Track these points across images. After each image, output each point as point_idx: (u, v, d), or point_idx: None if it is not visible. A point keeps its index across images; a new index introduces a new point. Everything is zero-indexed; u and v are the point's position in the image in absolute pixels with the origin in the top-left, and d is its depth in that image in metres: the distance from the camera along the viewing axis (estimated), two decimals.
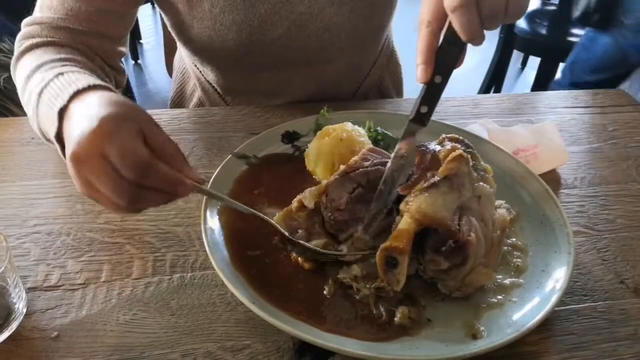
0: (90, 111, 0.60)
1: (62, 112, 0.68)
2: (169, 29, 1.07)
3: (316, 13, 1.00)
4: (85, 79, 0.71)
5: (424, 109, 0.69)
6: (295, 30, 1.01)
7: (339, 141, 0.84)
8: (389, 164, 0.71)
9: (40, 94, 0.74)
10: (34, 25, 0.88)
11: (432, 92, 0.68)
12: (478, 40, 0.62)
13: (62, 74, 0.74)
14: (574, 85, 2.29)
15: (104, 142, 0.56)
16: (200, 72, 1.15)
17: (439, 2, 0.63)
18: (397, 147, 0.72)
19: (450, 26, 0.63)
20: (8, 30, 1.34)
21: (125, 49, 0.99)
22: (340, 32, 1.04)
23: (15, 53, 0.88)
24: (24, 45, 0.87)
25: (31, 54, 0.85)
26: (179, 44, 1.15)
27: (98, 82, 0.70)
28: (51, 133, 0.70)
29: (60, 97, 0.69)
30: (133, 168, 0.56)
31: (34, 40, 0.86)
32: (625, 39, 2.11)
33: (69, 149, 0.59)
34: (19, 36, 0.89)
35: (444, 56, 0.65)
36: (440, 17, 0.64)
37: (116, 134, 0.56)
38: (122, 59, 1.01)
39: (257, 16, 0.97)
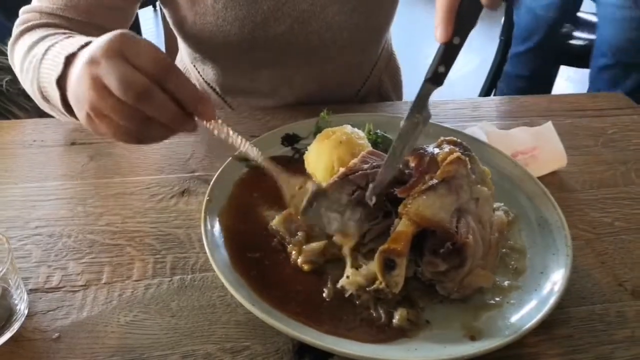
0: (102, 37, 0.58)
1: (69, 59, 0.66)
2: (171, 26, 1.08)
3: (318, 11, 1.01)
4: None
5: (441, 69, 0.67)
6: (298, 27, 1.02)
7: (338, 144, 0.84)
8: (403, 123, 0.68)
9: (46, 50, 0.73)
10: (32, 13, 0.89)
11: (450, 53, 0.66)
12: (496, 4, 0.62)
13: (72, 36, 0.75)
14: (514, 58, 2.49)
15: (125, 45, 0.55)
16: (200, 73, 1.16)
17: None
18: (411, 107, 0.69)
19: None
20: (9, 32, 1.35)
21: None
22: (342, 31, 1.05)
23: (12, 36, 0.88)
24: (20, 28, 0.87)
25: (31, 32, 0.85)
26: (180, 43, 1.15)
27: None
28: (53, 77, 0.68)
29: (70, 47, 0.67)
30: (155, 64, 0.54)
31: (33, 22, 0.87)
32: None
33: (79, 65, 0.58)
34: (16, 22, 0.90)
35: (463, 17, 0.64)
36: None
37: (134, 39, 0.56)
38: None
39: (259, 12, 0.98)
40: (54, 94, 0.69)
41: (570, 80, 3.53)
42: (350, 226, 0.70)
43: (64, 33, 0.82)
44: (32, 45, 0.81)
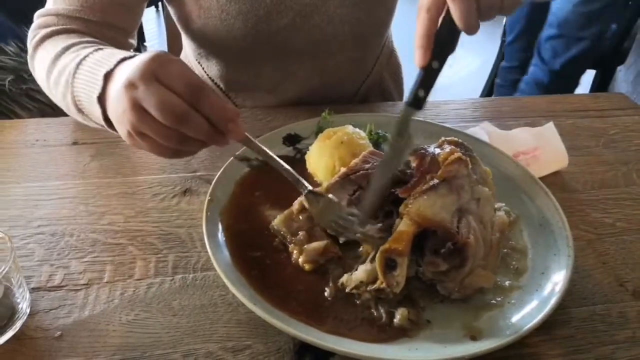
0: (138, 58, 0.62)
1: (107, 76, 0.69)
2: (176, 22, 1.08)
3: (320, 4, 1.01)
4: (128, 53, 0.72)
5: (421, 93, 0.68)
6: (300, 21, 1.02)
7: (339, 144, 0.85)
8: (386, 149, 0.70)
9: (79, 64, 0.75)
10: (50, 16, 0.89)
11: (429, 77, 0.68)
12: (473, 30, 0.63)
13: (101, 49, 0.77)
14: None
15: (159, 68, 0.58)
16: (204, 69, 1.16)
17: None
18: (393, 133, 0.71)
19: (447, 13, 0.64)
20: (13, 33, 1.35)
21: (134, 42, 1.01)
22: (343, 25, 1.05)
23: (33, 42, 0.89)
24: (41, 33, 0.88)
25: (53, 39, 0.86)
26: (184, 40, 1.16)
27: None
28: (94, 95, 0.70)
29: (107, 63, 0.70)
30: (189, 88, 0.58)
31: (53, 28, 0.88)
32: None
33: (118, 87, 0.62)
34: (33, 26, 0.91)
35: (441, 42, 0.66)
36: (439, 4, 0.64)
37: (169, 62, 0.59)
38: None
39: (262, 6, 0.99)
40: (95, 111, 0.72)
41: None
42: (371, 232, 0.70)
43: (89, 42, 0.83)
44: (58, 55, 0.81)
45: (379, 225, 0.70)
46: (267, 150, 0.72)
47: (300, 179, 0.73)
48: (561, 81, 2.43)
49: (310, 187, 0.73)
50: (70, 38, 0.85)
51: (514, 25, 2.60)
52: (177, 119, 0.58)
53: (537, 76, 2.48)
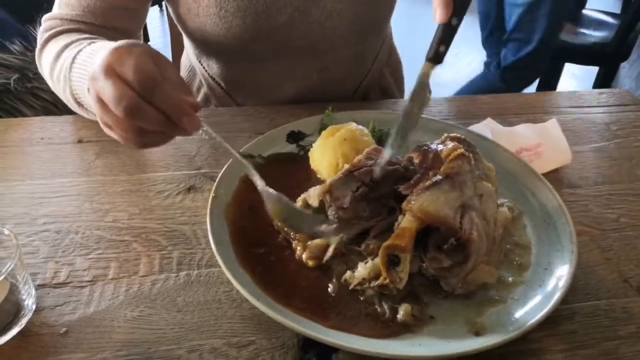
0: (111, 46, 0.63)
1: None
2: (175, 21, 1.09)
3: (318, 0, 1.01)
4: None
5: (442, 48, 0.70)
6: (299, 16, 1.02)
7: (343, 141, 0.85)
8: (407, 103, 0.72)
9: (74, 59, 0.79)
10: (54, 20, 0.93)
11: (449, 33, 0.70)
12: None
13: (94, 42, 0.81)
14: None
15: (117, 61, 0.60)
16: (205, 68, 1.17)
17: None
18: (416, 83, 0.72)
19: None
20: (18, 32, 1.36)
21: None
22: (342, 20, 1.06)
23: (39, 43, 0.93)
24: (45, 35, 0.92)
25: (56, 39, 0.90)
26: (185, 40, 1.17)
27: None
28: (85, 86, 0.73)
29: (96, 56, 0.73)
30: (142, 80, 0.59)
31: (57, 29, 0.92)
32: None
33: (89, 74, 0.63)
34: (40, 30, 0.95)
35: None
36: None
37: (127, 54, 0.60)
38: None
39: (261, 2, 0.99)
40: (87, 101, 0.76)
41: (574, 78, 3.52)
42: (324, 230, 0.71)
43: (86, 38, 0.86)
44: (59, 52, 0.85)
45: (334, 226, 0.71)
46: (227, 145, 0.70)
47: (256, 174, 0.72)
48: (511, 82, 2.55)
49: (263, 183, 0.72)
50: (70, 36, 0.89)
51: (485, 22, 2.68)
52: (128, 111, 0.59)
53: (491, 74, 2.64)
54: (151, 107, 0.60)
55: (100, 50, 0.73)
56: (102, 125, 0.66)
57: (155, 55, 0.63)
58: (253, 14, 0.99)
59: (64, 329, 0.64)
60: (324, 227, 0.70)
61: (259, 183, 0.71)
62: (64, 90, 0.84)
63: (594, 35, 2.57)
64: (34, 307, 0.66)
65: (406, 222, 0.64)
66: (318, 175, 0.87)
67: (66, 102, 0.87)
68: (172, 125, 0.62)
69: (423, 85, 0.71)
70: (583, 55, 2.59)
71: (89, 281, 0.70)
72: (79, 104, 0.82)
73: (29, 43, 1.31)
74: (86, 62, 0.76)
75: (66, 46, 0.85)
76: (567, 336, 0.66)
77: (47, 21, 0.95)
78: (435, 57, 0.71)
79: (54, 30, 0.92)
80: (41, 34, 0.94)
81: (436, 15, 0.69)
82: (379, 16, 1.13)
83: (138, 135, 0.63)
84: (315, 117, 0.96)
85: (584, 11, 2.77)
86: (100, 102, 0.62)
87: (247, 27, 1.01)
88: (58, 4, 0.96)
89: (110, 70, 0.60)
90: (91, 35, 0.89)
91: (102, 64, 0.60)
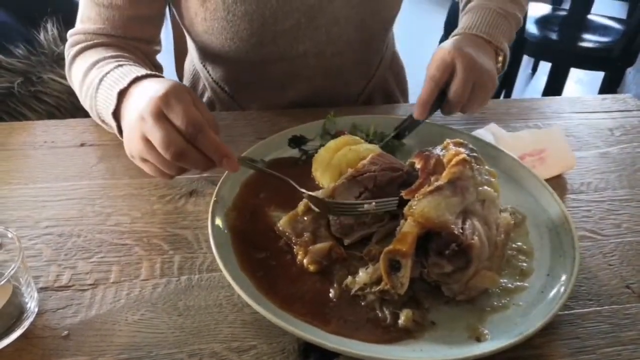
0: (151, 87, 0.71)
1: (121, 94, 0.79)
2: (182, 25, 1.10)
3: (326, 5, 1.02)
4: (142, 69, 0.82)
5: (406, 134, 0.96)
6: (305, 22, 1.03)
7: (346, 157, 0.84)
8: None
9: (100, 81, 0.84)
10: (79, 35, 0.98)
11: (416, 125, 0.95)
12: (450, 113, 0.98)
13: (121, 65, 0.85)
14: None
15: (166, 106, 0.67)
16: (209, 72, 1.17)
17: (447, 68, 0.91)
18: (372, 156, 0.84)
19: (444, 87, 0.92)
20: (22, 36, 1.37)
21: (159, 47, 1.07)
22: (348, 25, 1.06)
23: (68, 59, 0.98)
24: (73, 51, 0.96)
25: (82, 55, 0.95)
26: (190, 43, 1.17)
27: (153, 73, 0.81)
28: (109, 110, 0.81)
29: (121, 82, 0.79)
30: (189, 126, 0.66)
31: (82, 45, 0.96)
32: None
33: (132, 116, 0.71)
34: (67, 45, 0.99)
35: (432, 106, 0.93)
36: (444, 80, 0.92)
37: (176, 101, 0.67)
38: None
39: (268, 7, 0.99)
40: (111, 124, 0.83)
41: (580, 83, 3.51)
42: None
43: (113, 57, 0.90)
44: (87, 71, 0.90)
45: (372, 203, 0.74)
46: (269, 170, 0.80)
47: (298, 188, 0.78)
48: None
49: (308, 193, 0.77)
50: (97, 53, 0.93)
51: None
52: (176, 155, 0.66)
53: None
54: (196, 151, 0.67)
55: (133, 74, 0.80)
56: (134, 157, 0.73)
57: (195, 97, 0.71)
58: (260, 17, 1.00)
59: (65, 332, 0.64)
60: (366, 206, 0.73)
61: (304, 191, 0.77)
62: (90, 108, 0.90)
63: (600, 40, 2.57)
64: (36, 310, 0.66)
65: (407, 227, 0.64)
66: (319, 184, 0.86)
67: (93, 117, 0.92)
68: (212, 164, 0.69)
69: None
70: (588, 60, 2.58)
71: (90, 284, 0.70)
72: (103, 121, 0.89)
73: (33, 47, 1.32)
74: (112, 87, 0.81)
75: (93, 65, 0.90)
76: (569, 342, 0.65)
77: (72, 36, 0.98)
78: (400, 137, 0.95)
79: (80, 46, 0.95)
80: (68, 50, 0.98)
81: (416, 112, 0.92)
82: (384, 21, 1.14)
83: (175, 172, 0.72)
84: (317, 121, 0.96)
85: (590, 16, 2.77)
86: (146, 140, 0.68)
87: (254, 31, 1.01)
88: (80, 19, 0.99)
89: (161, 115, 0.66)
90: (117, 53, 0.93)
91: (151, 107, 0.67)
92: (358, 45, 1.11)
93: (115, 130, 0.83)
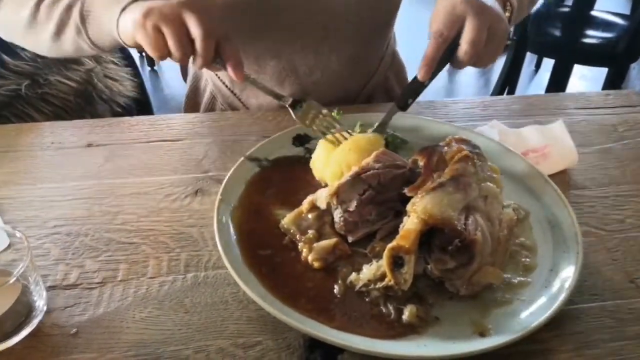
0: None
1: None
2: None
3: (323, 1, 1.03)
4: None
5: (410, 101, 0.91)
6: (303, 17, 1.04)
7: (347, 151, 0.85)
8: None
9: None
10: None
11: (420, 90, 0.90)
12: (461, 66, 0.89)
13: None
14: None
15: (186, 9, 0.80)
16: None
17: (455, 21, 0.83)
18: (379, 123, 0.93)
19: (452, 42, 0.84)
20: None
21: None
22: (345, 22, 1.07)
23: None
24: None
25: None
26: None
27: None
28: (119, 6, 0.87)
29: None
30: (206, 37, 0.81)
31: None
32: None
33: (150, 6, 0.81)
34: None
35: (438, 64, 0.86)
36: (452, 36, 0.84)
37: (197, 8, 0.81)
38: (139, 66, 1.06)
39: (266, 0, 1.01)
40: (109, 17, 0.88)
41: (584, 79, 3.50)
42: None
43: None
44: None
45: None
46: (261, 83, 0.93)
47: (279, 93, 0.93)
48: None
49: (290, 98, 0.91)
50: None
51: None
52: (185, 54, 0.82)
53: None
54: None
55: None
56: (145, 24, 0.81)
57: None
58: (258, 11, 1.01)
59: (74, 330, 0.65)
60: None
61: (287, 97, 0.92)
62: (66, 10, 0.92)
63: (603, 36, 2.56)
64: (44, 308, 0.67)
65: (410, 223, 0.64)
66: (322, 183, 0.87)
67: (47, 35, 0.96)
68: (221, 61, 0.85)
69: (384, 125, 0.93)
70: (592, 56, 2.58)
71: (98, 283, 0.71)
72: (83, 19, 0.92)
73: None
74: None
75: None
76: (573, 337, 0.66)
77: None
78: (404, 106, 0.92)
79: None
80: None
81: (420, 73, 0.87)
82: (382, 20, 1.15)
83: (183, 46, 0.82)
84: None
85: (593, 12, 2.76)
86: (157, 32, 0.81)
87: (251, 25, 1.03)
88: None
89: (178, 15, 0.81)
90: None
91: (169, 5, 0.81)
92: (356, 43, 1.12)
93: (115, 20, 0.87)
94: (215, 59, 0.85)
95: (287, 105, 0.91)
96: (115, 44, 0.93)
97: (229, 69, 0.86)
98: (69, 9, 0.92)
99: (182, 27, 0.81)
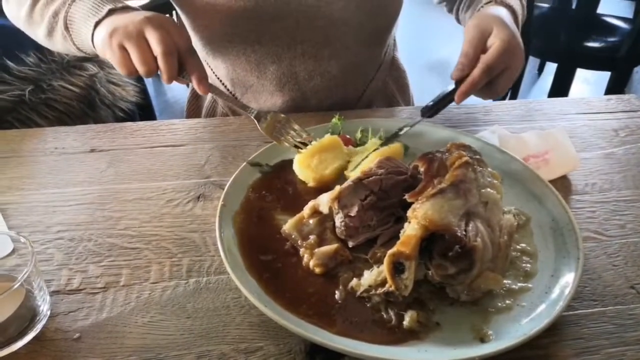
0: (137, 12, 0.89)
1: (111, 11, 0.90)
2: (184, 21, 1.12)
3: (324, 6, 1.04)
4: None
5: (438, 110, 0.97)
6: (303, 22, 1.05)
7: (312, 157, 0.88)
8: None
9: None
10: None
11: (446, 104, 0.97)
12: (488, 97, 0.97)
13: None
14: None
15: (148, 26, 0.85)
16: (212, 70, 1.20)
17: (501, 57, 0.88)
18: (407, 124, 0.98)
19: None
20: (33, 44, 1.39)
21: None
22: (345, 28, 1.08)
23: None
24: None
25: None
26: (192, 37, 1.19)
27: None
28: (93, 20, 0.91)
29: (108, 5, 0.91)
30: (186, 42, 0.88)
31: None
32: None
33: (115, 25, 0.86)
34: None
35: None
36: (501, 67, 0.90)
37: (158, 25, 0.85)
38: None
39: (267, 4, 1.02)
40: (86, 29, 0.92)
41: (586, 83, 3.50)
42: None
43: None
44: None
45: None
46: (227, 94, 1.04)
47: (245, 105, 1.01)
48: None
49: (255, 110, 0.97)
50: None
51: None
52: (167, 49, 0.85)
53: None
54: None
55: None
56: (114, 45, 0.86)
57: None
58: (258, 15, 1.02)
59: (77, 335, 0.65)
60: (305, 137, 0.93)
61: (252, 109, 0.99)
62: (54, 14, 0.96)
63: (606, 40, 2.56)
64: (48, 313, 0.67)
65: (411, 229, 0.65)
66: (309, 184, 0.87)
67: (45, 26, 0.98)
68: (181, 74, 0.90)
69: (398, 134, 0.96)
70: (595, 60, 2.57)
71: (101, 288, 0.72)
72: (66, 27, 0.95)
73: (44, 55, 1.34)
74: (102, 7, 0.91)
75: None
76: (574, 342, 0.66)
77: None
78: (431, 114, 0.97)
79: None
80: None
81: (458, 97, 0.91)
82: (382, 26, 1.15)
83: (149, 59, 0.86)
84: (322, 125, 0.97)
85: (595, 16, 2.76)
86: (122, 50, 0.86)
87: (252, 28, 1.04)
88: None
89: (139, 32, 0.85)
90: None
91: (133, 24, 0.85)
92: (356, 49, 1.13)
93: (89, 34, 0.91)
94: (181, 73, 0.90)
95: (252, 117, 0.97)
96: (95, 54, 0.96)
97: (194, 82, 0.91)
98: (55, 14, 0.95)
99: (145, 45, 0.86)
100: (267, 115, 0.97)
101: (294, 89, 1.15)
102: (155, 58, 0.86)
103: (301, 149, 0.90)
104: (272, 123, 0.96)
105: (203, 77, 0.91)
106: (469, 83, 0.89)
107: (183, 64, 0.90)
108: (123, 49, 0.86)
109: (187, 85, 1.42)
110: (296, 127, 0.95)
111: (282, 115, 0.96)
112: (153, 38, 0.85)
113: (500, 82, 0.91)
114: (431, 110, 0.96)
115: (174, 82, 0.90)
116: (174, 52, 0.86)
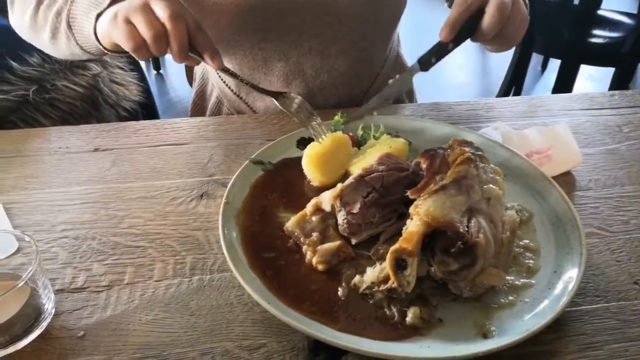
0: None
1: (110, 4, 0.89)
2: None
3: (331, 3, 1.04)
4: None
5: (433, 60, 0.90)
6: (310, 19, 1.05)
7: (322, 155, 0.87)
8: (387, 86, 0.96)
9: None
10: None
11: (443, 52, 0.90)
12: (489, 35, 0.88)
13: None
14: None
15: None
16: (217, 71, 1.19)
17: None
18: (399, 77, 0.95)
19: (477, 13, 0.86)
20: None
21: None
22: (352, 24, 1.08)
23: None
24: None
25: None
26: None
27: None
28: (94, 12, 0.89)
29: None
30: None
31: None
32: None
33: (118, 7, 0.85)
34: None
35: (463, 31, 0.87)
36: (477, 5, 0.86)
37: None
38: (145, 70, 1.07)
39: (275, 2, 1.02)
40: (88, 23, 0.91)
41: (590, 79, 3.48)
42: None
43: None
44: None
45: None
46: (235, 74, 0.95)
47: (273, 91, 0.97)
48: None
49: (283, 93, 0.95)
50: None
51: None
52: (179, 17, 0.82)
53: None
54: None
55: None
56: (122, 20, 0.83)
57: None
58: (266, 13, 1.02)
59: (82, 332, 0.66)
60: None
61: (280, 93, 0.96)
62: (58, 13, 0.95)
63: (610, 35, 2.55)
64: (53, 311, 0.68)
65: (413, 226, 0.65)
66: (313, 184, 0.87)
67: (49, 26, 0.97)
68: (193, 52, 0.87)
69: (410, 75, 0.94)
70: (598, 56, 2.56)
71: (105, 286, 0.72)
72: (69, 25, 0.95)
73: (47, 55, 1.34)
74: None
75: None
76: (577, 338, 0.66)
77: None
78: (425, 64, 0.90)
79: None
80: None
81: (442, 33, 0.87)
82: (388, 21, 1.16)
83: (160, 39, 0.82)
84: (324, 123, 0.97)
85: (599, 11, 2.75)
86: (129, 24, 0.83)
87: (259, 26, 1.04)
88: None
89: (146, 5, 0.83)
90: None
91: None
92: (363, 45, 1.13)
93: (92, 27, 0.90)
94: (190, 50, 0.86)
95: (270, 97, 0.96)
96: (99, 50, 0.95)
97: (207, 58, 0.88)
98: (58, 14, 0.95)
99: (151, 13, 0.83)
100: (285, 95, 0.95)
101: (301, 86, 1.15)
102: (162, 24, 0.82)
103: (317, 137, 0.90)
104: (290, 103, 0.95)
105: (215, 53, 0.88)
106: (448, 19, 0.87)
107: (192, 41, 0.86)
108: (129, 22, 0.83)
109: (191, 85, 1.43)
110: (314, 113, 0.94)
111: (300, 98, 0.96)
112: (159, 5, 0.82)
113: (509, 28, 0.89)
114: (427, 57, 0.91)
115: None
116: (181, 17, 0.83)
